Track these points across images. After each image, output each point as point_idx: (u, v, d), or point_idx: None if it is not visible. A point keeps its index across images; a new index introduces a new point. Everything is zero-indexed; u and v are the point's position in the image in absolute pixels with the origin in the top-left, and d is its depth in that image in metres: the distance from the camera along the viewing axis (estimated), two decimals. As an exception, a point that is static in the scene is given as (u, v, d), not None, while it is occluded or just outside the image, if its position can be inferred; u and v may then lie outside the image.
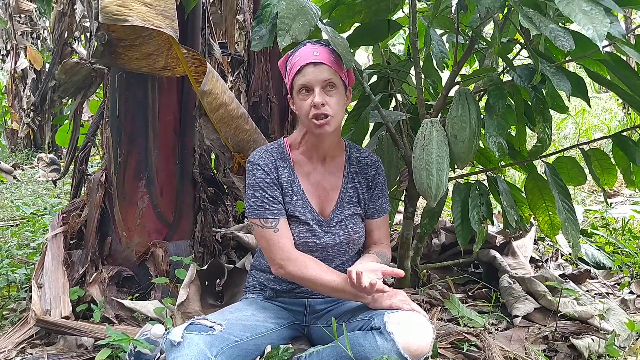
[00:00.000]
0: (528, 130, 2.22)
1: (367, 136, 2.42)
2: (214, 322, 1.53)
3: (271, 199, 1.66)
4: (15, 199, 5.34)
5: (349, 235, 1.73)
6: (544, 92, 2.02)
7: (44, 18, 8.69)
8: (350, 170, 1.78)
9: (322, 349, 1.57)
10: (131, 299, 2.18)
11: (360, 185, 1.78)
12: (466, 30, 2.17)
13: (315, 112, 1.59)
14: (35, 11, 8.21)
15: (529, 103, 2.03)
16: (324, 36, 1.93)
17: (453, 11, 2.22)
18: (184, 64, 2.06)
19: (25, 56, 8.61)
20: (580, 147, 2.22)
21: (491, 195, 2.28)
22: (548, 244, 3.17)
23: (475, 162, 2.44)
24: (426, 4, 2.41)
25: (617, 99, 7.75)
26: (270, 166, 1.69)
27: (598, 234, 3.34)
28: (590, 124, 7.06)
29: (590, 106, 2.18)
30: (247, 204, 1.70)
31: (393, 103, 2.48)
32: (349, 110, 2.35)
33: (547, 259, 2.95)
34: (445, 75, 2.39)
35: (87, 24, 2.62)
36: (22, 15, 8.54)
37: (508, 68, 1.98)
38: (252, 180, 1.68)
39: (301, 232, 1.69)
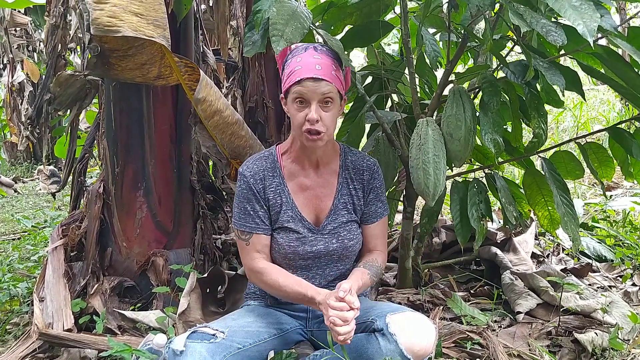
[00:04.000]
0: (524, 126, 2.22)
1: (365, 137, 2.42)
2: (216, 330, 1.53)
3: (251, 212, 1.67)
4: (16, 212, 5.33)
5: (342, 243, 1.70)
6: (539, 88, 2.02)
7: (40, 31, 8.71)
8: (344, 176, 1.74)
9: (325, 352, 1.57)
10: (133, 309, 2.17)
11: (355, 191, 1.74)
12: (458, 29, 2.17)
13: (308, 127, 1.56)
14: (31, 24, 8.24)
15: (524, 99, 2.03)
16: (318, 39, 1.93)
17: (444, 10, 2.22)
18: (177, 72, 2.06)
19: (22, 69, 8.63)
20: (577, 140, 2.22)
21: (489, 192, 2.28)
22: (549, 239, 3.17)
23: (472, 159, 2.44)
24: (417, 3, 2.40)
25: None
26: (257, 177, 1.68)
27: (599, 227, 3.33)
28: (588, 116, 7.05)
29: (585, 99, 2.17)
30: (233, 211, 1.74)
31: (388, 103, 2.48)
32: (345, 111, 2.35)
33: (549, 254, 2.94)
34: (439, 74, 2.39)
35: (82, 35, 2.62)
36: (18, 29, 8.56)
37: (501, 65, 1.98)
38: (238, 190, 1.71)
39: (291, 240, 1.67)
